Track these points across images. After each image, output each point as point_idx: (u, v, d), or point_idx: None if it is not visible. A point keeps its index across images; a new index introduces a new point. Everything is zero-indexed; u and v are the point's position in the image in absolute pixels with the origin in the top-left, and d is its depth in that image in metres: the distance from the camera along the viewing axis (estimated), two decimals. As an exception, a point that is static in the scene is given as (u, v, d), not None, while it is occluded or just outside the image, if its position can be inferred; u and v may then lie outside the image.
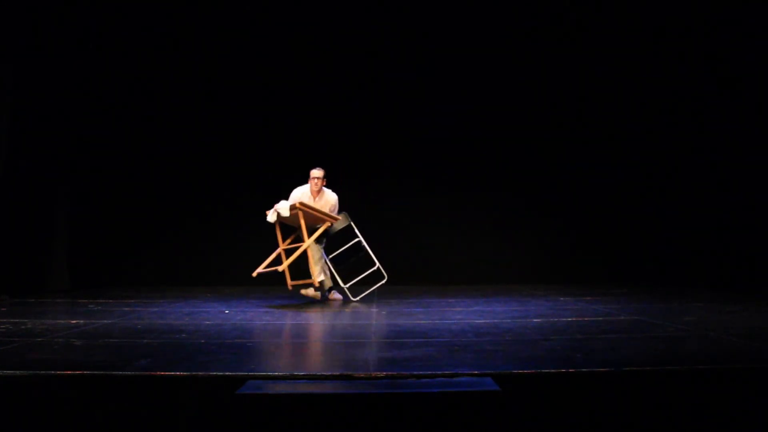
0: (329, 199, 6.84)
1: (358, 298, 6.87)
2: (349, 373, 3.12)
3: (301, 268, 6.94)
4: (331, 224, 6.73)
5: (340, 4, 8.79)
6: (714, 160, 7.91)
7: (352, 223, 7.06)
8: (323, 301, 6.83)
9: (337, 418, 2.79)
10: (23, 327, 4.84)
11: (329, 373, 3.13)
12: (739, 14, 7.47)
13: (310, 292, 6.71)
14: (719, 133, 7.81)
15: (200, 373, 3.11)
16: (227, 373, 3.11)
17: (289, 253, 6.70)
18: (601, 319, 5.13)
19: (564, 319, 5.11)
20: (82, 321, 5.25)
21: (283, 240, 6.80)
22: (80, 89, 8.58)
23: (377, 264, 7.02)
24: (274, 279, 8.90)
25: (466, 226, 9.02)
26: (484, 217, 8.99)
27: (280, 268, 6.32)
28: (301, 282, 6.59)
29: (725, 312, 5.50)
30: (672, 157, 8.57)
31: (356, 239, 6.98)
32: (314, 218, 6.47)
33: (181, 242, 8.94)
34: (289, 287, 6.45)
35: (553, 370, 3.13)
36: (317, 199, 6.80)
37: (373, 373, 3.12)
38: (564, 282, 8.54)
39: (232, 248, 8.92)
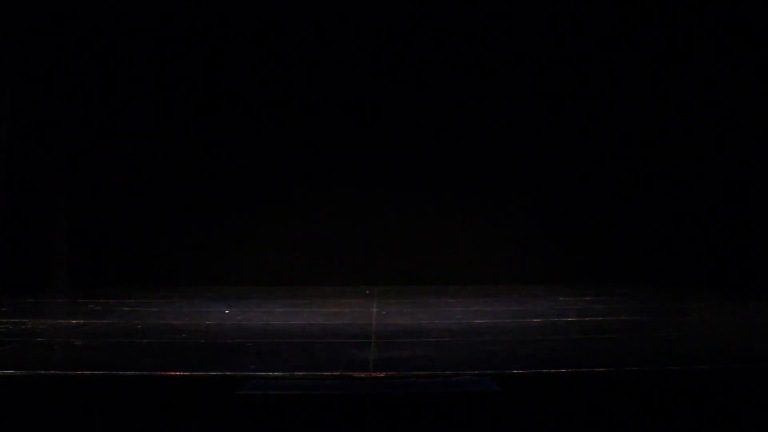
0: None
1: None
2: (349, 373, 3.13)
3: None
4: None
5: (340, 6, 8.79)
6: (715, 159, 7.90)
7: None
8: None
9: (337, 418, 2.79)
10: (23, 327, 4.84)
11: (329, 373, 3.13)
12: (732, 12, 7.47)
13: None
14: (719, 132, 7.80)
15: (200, 373, 3.12)
16: (227, 373, 3.11)
17: None
18: (601, 319, 5.13)
19: (564, 319, 5.10)
20: (82, 321, 5.25)
21: None
22: (80, 87, 8.57)
23: None
24: (275, 279, 8.92)
25: (466, 226, 9.00)
26: (484, 216, 8.98)
27: None
28: None
29: (725, 312, 5.50)
30: (672, 157, 8.56)
31: None
32: None
33: (181, 242, 8.93)
34: None
35: (553, 370, 3.13)
36: None
37: (373, 373, 3.12)
38: (564, 282, 8.53)
39: (233, 248, 8.91)
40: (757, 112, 7.30)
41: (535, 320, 5.08)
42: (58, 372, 3.15)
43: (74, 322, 5.20)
